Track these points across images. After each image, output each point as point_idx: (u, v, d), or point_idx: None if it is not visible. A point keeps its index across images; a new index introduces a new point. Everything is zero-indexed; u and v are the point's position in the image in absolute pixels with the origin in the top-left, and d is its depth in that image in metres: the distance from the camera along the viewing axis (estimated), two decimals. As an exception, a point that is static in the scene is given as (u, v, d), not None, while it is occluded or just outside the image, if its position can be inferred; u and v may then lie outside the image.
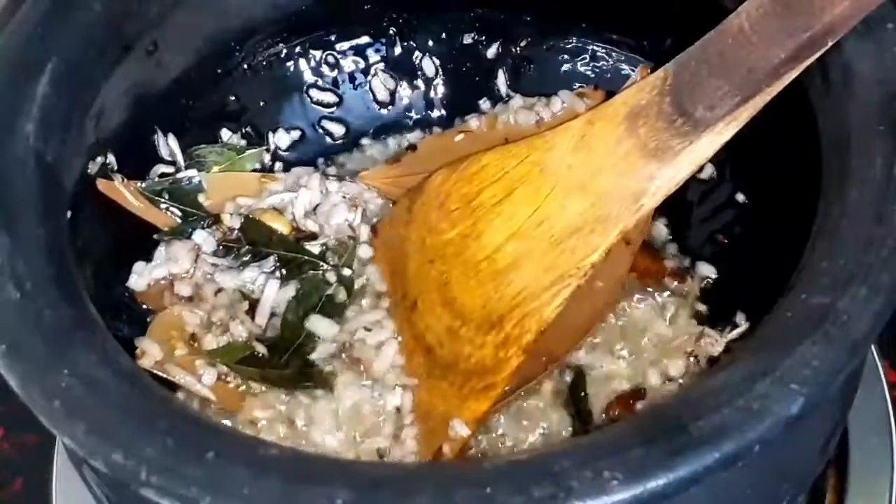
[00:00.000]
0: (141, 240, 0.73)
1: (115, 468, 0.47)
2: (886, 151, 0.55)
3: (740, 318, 0.68)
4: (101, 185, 0.69)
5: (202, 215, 0.75)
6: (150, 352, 0.67)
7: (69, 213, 0.61)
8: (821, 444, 0.60)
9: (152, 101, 0.72)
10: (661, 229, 0.77)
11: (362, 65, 0.83)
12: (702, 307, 0.72)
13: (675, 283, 0.73)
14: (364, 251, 0.74)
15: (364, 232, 0.75)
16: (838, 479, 0.71)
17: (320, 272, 0.72)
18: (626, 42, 0.80)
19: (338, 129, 0.83)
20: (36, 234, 0.55)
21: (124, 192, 0.71)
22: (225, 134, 0.80)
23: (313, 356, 0.69)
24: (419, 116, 0.84)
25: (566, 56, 0.82)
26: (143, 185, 0.73)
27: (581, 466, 0.45)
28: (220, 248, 0.74)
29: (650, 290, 0.72)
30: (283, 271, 0.72)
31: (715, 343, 0.68)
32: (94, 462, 0.47)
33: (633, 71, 0.80)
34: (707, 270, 0.74)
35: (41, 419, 0.49)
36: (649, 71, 0.77)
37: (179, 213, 0.74)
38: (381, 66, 0.83)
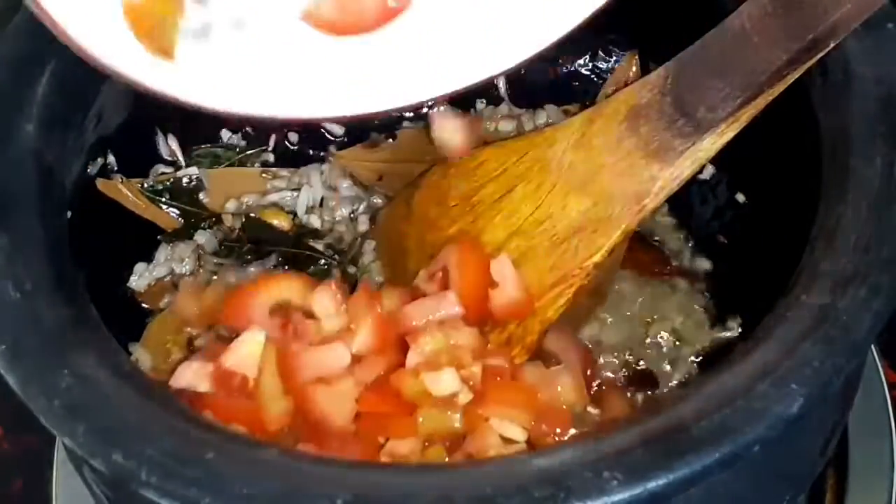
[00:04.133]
0: (141, 240, 0.73)
1: (115, 468, 0.47)
2: (886, 151, 0.55)
3: (733, 323, 0.69)
4: (101, 185, 0.69)
5: (203, 214, 0.75)
6: (143, 361, 0.67)
7: (69, 213, 0.61)
8: (821, 444, 0.60)
9: (152, 101, 0.72)
10: (662, 229, 0.77)
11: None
12: (700, 307, 0.72)
13: (675, 279, 0.73)
14: (367, 246, 0.74)
15: (363, 221, 0.76)
16: (838, 479, 0.71)
17: (324, 267, 0.72)
18: (625, 42, 0.80)
19: (337, 128, 0.83)
20: (36, 234, 0.55)
21: (124, 192, 0.71)
22: (225, 134, 0.79)
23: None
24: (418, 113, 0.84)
25: (565, 55, 0.82)
26: (144, 184, 0.73)
27: (581, 466, 0.45)
28: (223, 247, 0.74)
29: (648, 283, 0.72)
30: (286, 268, 0.73)
31: (708, 343, 0.68)
32: (94, 462, 0.47)
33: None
34: (706, 270, 0.74)
35: (41, 419, 0.49)
36: (636, 58, 0.77)
37: (180, 213, 0.74)
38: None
